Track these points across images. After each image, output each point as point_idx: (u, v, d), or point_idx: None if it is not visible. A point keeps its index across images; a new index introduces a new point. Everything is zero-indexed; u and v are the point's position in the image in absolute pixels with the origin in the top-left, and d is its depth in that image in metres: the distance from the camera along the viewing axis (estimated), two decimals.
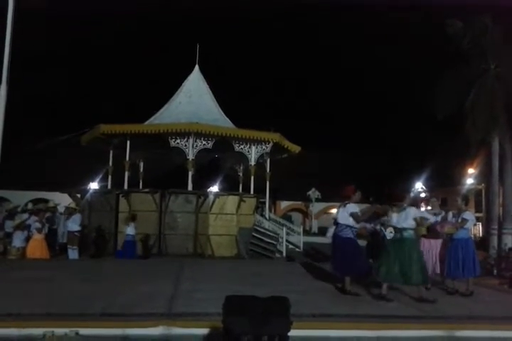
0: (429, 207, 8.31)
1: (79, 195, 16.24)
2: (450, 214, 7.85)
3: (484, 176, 18.98)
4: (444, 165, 23.45)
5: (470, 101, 14.19)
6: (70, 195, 16.31)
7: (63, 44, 36.58)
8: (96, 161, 19.30)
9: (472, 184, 22.34)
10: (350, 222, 7.17)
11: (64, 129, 21.32)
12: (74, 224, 12.46)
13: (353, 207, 7.15)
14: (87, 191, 16.45)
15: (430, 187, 24.53)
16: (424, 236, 7.99)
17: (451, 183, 23.54)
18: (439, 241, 7.93)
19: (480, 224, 21.28)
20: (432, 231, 7.87)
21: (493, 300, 6.99)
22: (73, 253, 12.23)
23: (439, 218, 8.02)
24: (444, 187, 23.93)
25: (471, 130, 14.10)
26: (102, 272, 9.13)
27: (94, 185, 19.75)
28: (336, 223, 7.53)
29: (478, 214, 12.48)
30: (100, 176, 19.19)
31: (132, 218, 13.26)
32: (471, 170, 22.43)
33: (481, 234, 18.84)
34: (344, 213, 7.19)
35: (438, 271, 7.87)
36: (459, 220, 7.56)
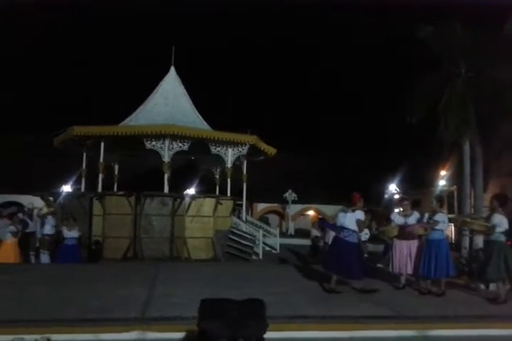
0: (401, 209, 8.43)
1: (51, 198, 15.92)
2: (426, 216, 8.00)
3: (456, 178, 19.40)
4: (417, 167, 23.85)
5: (442, 104, 14.46)
6: (42, 198, 15.98)
7: (42, 44, 35.92)
8: (69, 163, 18.96)
9: (444, 186, 22.78)
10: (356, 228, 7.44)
11: (36, 130, 20.92)
12: (46, 228, 12.26)
13: (361, 215, 7.45)
14: (60, 194, 16.14)
15: (404, 189, 24.92)
16: (397, 237, 8.13)
17: (425, 185, 23.93)
18: (414, 242, 8.05)
19: (453, 225, 21.75)
20: (403, 233, 8.01)
21: (464, 300, 7.13)
22: (45, 257, 12.01)
23: (412, 219, 8.14)
24: (417, 189, 24.31)
25: (443, 133, 14.37)
26: (75, 276, 8.94)
27: (67, 188, 19.39)
28: (340, 227, 7.60)
29: (451, 216, 12.71)
30: (74, 179, 18.84)
31: (73, 219, 11.68)
32: (443, 172, 22.90)
33: (453, 235, 19.20)
34: (353, 218, 7.43)
35: (410, 271, 7.99)
36: (431, 221, 7.71)
